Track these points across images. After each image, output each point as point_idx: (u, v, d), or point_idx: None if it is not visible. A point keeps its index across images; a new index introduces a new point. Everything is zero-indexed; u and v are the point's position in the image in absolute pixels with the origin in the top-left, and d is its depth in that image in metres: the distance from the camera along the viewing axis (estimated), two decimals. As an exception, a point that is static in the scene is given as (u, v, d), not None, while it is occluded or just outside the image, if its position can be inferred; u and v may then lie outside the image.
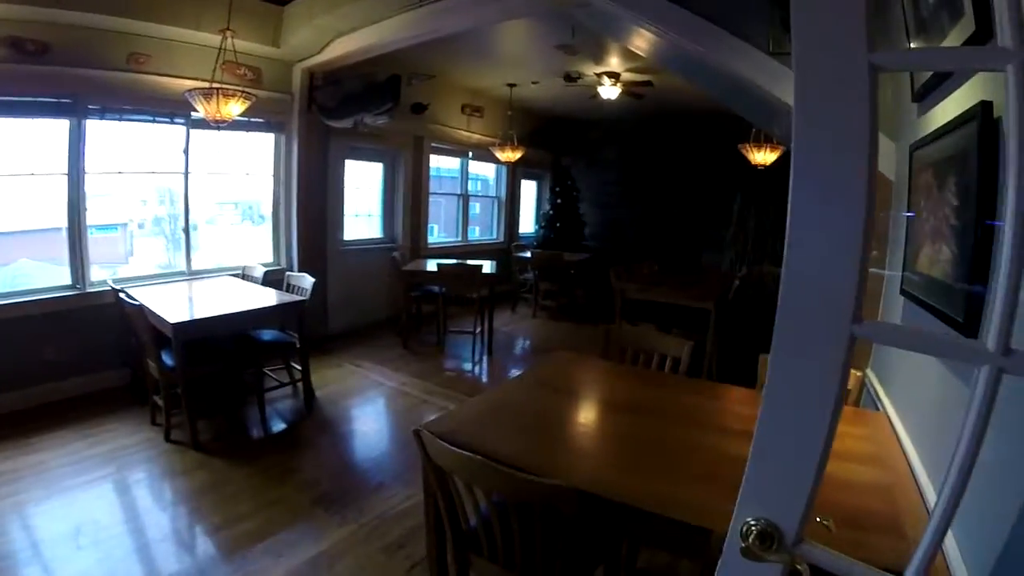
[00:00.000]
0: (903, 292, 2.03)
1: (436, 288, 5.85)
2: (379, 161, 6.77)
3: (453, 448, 1.52)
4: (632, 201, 9.38)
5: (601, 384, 2.51)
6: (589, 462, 1.77)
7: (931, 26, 1.69)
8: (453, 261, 5.76)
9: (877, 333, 0.91)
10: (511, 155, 7.21)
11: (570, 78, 5.96)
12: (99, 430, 3.52)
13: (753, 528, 0.91)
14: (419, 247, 7.14)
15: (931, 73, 1.78)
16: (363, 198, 6.81)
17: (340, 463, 3.41)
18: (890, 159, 2.45)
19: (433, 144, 7.19)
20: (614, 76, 5.72)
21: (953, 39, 1.49)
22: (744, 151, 5.42)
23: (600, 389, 2.48)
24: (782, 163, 5.54)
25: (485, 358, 5.68)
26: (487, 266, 5.71)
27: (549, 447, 1.85)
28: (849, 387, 2.36)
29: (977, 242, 1.41)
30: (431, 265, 5.80)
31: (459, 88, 7.30)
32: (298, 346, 4.10)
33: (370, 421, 4.17)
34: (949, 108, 1.62)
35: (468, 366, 5.56)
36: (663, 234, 8.98)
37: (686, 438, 1.91)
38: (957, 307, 1.48)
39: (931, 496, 1.48)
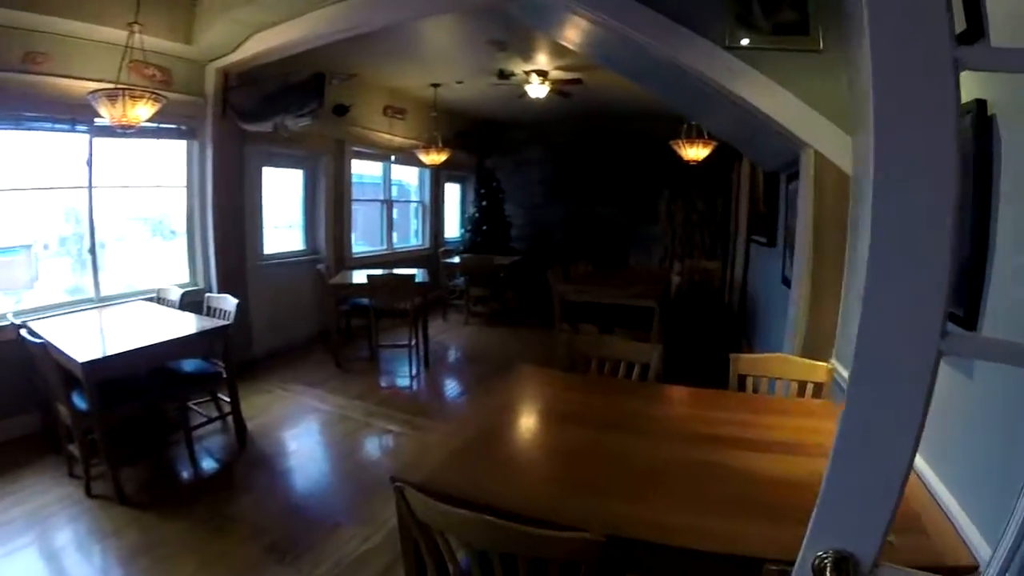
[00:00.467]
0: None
1: (366, 301, 5.54)
2: (299, 168, 6.36)
3: (449, 507, 1.32)
4: (558, 201, 9.43)
5: (576, 401, 2.35)
6: (588, 495, 1.59)
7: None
8: (381, 271, 5.52)
9: (969, 348, 0.85)
10: (436, 158, 7.02)
11: (503, 75, 5.85)
12: (12, 488, 3.01)
13: (826, 562, 0.85)
14: (343, 258, 6.79)
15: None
16: (283, 208, 6.38)
17: (285, 504, 3.07)
18: (846, 153, 2.48)
19: (355, 148, 6.84)
20: (543, 74, 5.67)
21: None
22: (676, 147, 5.48)
23: (577, 407, 2.29)
24: (708, 156, 5.67)
25: (422, 372, 5.46)
26: (419, 275, 5.49)
27: (540, 483, 1.69)
28: (820, 380, 2.39)
29: (973, 237, 1.43)
30: (360, 276, 5.52)
31: (381, 89, 7.01)
32: (224, 376, 3.72)
33: (310, 452, 3.83)
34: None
35: (405, 382, 5.32)
36: (590, 233, 9.07)
37: (682, 456, 1.80)
38: (954, 302, 1.49)
39: (939, 489, 1.48)
